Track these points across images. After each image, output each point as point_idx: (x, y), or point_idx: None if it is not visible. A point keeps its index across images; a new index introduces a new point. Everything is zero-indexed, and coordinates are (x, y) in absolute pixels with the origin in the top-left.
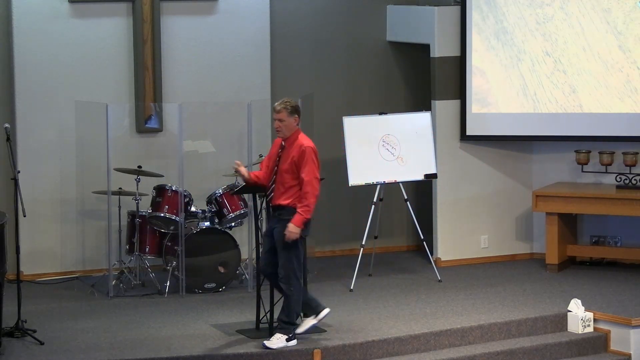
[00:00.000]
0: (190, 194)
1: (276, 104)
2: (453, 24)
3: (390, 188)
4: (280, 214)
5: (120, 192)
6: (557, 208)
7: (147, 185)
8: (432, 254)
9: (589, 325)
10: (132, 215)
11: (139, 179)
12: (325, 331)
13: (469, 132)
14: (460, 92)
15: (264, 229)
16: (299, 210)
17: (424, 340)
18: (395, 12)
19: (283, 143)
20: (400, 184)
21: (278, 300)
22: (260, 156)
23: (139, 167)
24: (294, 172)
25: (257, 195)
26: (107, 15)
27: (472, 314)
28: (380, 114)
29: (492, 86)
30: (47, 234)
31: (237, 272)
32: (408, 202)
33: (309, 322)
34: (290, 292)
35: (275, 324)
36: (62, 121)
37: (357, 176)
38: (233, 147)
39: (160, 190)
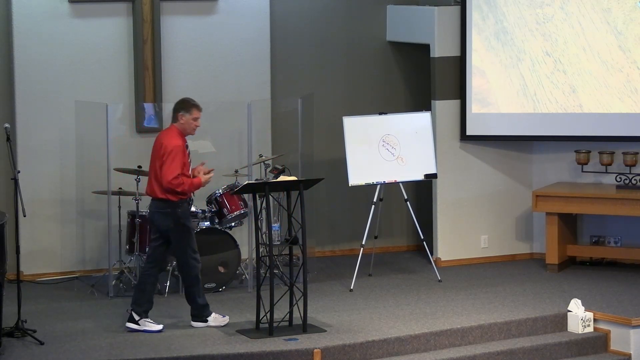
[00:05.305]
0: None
1: (196, 102)
2: (453, 24)
3: (390, 188)
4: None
5: (120, 192)
6: (557, 208)
7: None
8: (432, 254)
9: (589, 325)
10: (132, 215)
11: (139, 179)
12: (325, 331)
13: (469, 132)
14: (460, 92)
15: (263, 229)
16: None
17: (424, 340)
18: (395, 12)
19: (186, 142)
20: (400, 184)
21: (278, 300)
22: (261, 156)
23: (139, 167)
24: None
25: (257, 195)
26: (107, 15)
27: (472, 314)
28: (380, 114)
29: (492, 86)
30: (47, 234)
31: (237, 272)
32: (408, 202)
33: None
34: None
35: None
36: (62, 121)
37: (357, 176)
38: (233, 147)
39: None
